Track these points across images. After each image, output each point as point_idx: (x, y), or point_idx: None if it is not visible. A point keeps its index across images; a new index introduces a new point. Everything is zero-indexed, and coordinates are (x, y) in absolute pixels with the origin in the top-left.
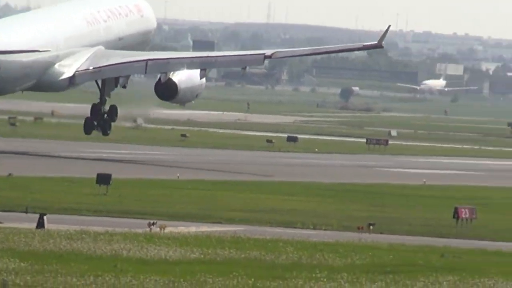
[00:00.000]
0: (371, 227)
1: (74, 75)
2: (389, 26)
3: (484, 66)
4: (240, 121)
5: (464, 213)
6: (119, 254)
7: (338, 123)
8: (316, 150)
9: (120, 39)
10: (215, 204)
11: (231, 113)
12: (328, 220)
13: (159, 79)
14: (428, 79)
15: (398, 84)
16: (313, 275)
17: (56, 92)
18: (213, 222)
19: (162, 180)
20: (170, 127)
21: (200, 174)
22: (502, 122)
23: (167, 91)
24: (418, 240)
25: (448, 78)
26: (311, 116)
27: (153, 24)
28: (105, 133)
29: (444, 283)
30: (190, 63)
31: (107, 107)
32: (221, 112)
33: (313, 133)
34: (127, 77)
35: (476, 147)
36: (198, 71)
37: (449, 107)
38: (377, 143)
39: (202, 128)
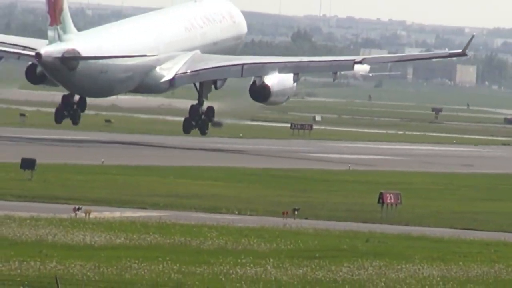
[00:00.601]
0: (296, 212)
1: (174, 78)
2: (473, 36)
3: (407, 51)
4: (164, 106)
5: (389, 198)
6: (44, 240)
7: (262, 108)
8: (241, 135)
9: (215, 43)
10: (139, 190)
11: (155, 98)
12: (253, 205)
13: (254, 81)
14: None
15: None
16: (239, 260)
17: (156, 93)
18: (138, 208)
19: (87, 166)
20: (94, 112)
21: (124, 160)
22: (426, 107)
23: (261, 93)
24: (343, 225)
25: None
26: None
27: (244, 29)
28: (203, 132)
29: (369, 268)
30: (283, 68)
31: (204, 108)
32: (145, 98)
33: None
34: (224, 80)
35: (400, 132)
36: (291, 75)
37: (373, 92)
38: (301, 128)
39: (127, 114)
